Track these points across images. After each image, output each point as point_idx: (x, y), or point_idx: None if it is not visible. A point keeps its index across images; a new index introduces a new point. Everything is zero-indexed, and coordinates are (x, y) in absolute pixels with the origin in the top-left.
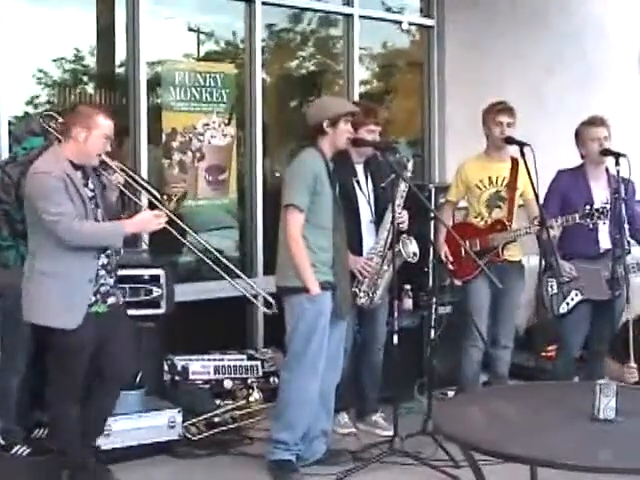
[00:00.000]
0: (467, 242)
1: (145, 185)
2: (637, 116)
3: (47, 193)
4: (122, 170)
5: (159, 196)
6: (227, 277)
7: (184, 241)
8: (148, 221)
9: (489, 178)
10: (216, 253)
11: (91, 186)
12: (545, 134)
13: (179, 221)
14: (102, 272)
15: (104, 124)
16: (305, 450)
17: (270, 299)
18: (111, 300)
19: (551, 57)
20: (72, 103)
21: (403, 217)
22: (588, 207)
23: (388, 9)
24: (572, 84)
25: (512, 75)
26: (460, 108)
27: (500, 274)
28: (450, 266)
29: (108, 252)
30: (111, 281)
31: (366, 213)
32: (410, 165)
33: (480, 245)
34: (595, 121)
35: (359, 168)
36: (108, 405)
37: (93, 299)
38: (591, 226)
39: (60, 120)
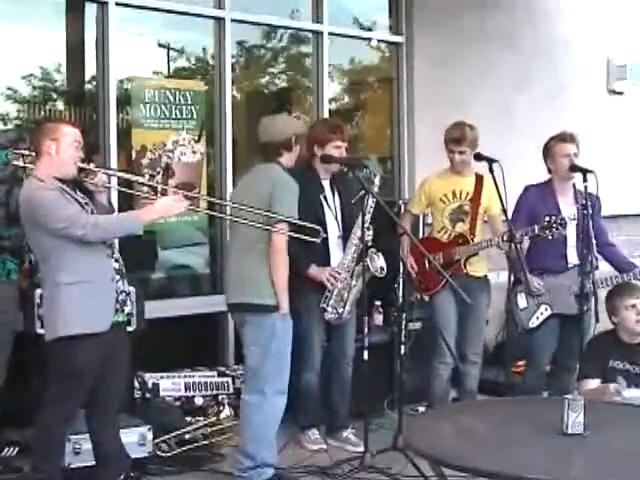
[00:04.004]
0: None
1: (128, 177)
2: (604, 132)
3: (48, 204)
4: (102, 170)
5: (145, 179)
6: None
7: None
8: (169, 206)
9: (453, 192)
10: None
11: (81, 194)
12: (514, 149)
13: (181, 191)
14: (117, 276)
15: (71, 131)
16: None
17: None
18: (127, 309)
19: (520, 73)
20: (38, 121)
21: (369, 232)
22: (547, 218)
23: (358, 26)
24: (540, 100)
25: (481, 91)
26: (429, 124)
27: (465, 290)
28: (415, 279)
29: (116, 256)
30: (127, 287)
31: (333, 229)
32: (377, 180)
33: (443, 259)
34: (566, 137)
35: (326, 184)
36: (109, 435)
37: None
38: (556, 236)
39: (28, 152)
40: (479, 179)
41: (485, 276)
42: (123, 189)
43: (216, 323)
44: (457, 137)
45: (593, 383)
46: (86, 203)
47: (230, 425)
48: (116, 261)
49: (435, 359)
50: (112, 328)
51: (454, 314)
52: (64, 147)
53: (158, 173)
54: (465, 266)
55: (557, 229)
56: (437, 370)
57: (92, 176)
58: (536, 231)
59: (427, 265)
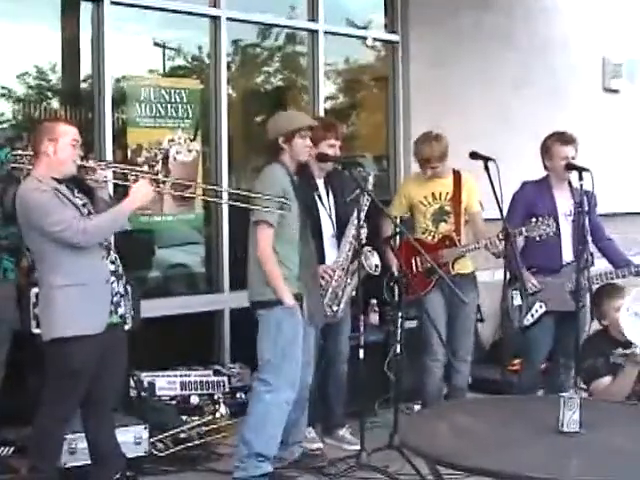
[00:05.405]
0: (417, 259)
1: (127, 168)
2: (600, 130)
3: (44, 207)
4: (102, 164)
5: (146, 168)
6: None
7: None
8: (145, 192)
9: (432, 194)
10: None
11: (79, 195)
12: (511, 148)
13: (177, 181)
14: (112, 278)
15: (69, 130)
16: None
17: None
18: (121, 310)
19: (516, 73)
20: (33, 120)
21: (364, 231)
22: (534, 220)
23: (353, 25)
24: (537, 99)
25: (478, 90)
26: (425, 123)
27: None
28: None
29: (112, 257)
30: (121, 289)
31: (328, 227)
32: (371, 179)
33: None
34: (566, 139)
35: (320, 182)
36: (105, 435)
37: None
38: (543, 237)
39: (26, 153)
40: (457, 177)
41: (472, 272)
42: (124, 183)
43: (212, 322)
44: (426, 157)
45: (605, 381)
46: (84, 204)
47: (226, 424)
48: (112, 262)
49: (426, 357)
50: (107, 329)
51: (443, 312)
52: (62, 146)
53: (158, 162)
54: (453, 267)
55: (544, 229)
56: (430, 368)
57: (92, 173)
58: (524, 233)
59: (415, 267)
